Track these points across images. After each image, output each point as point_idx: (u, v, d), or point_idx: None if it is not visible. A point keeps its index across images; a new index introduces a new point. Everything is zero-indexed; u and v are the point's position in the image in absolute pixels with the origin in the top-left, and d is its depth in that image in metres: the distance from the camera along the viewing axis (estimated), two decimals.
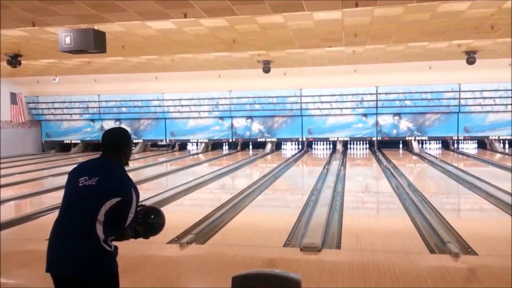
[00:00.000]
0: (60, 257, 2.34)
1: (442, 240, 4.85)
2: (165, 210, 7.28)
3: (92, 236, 2.29)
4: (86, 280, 2.31)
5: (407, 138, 17.58)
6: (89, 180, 2.37)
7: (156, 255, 4.68)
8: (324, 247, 4.76)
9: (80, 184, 2.38)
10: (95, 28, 8.02)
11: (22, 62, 11.65)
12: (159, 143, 19.57)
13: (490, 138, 17.01)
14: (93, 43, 7.84)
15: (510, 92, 16.07)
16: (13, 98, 18.21)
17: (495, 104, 16.52)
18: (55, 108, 19.60)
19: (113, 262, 2.41)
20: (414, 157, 15.37)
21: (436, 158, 14.60)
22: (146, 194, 7.88)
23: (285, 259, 4.45)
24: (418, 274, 3.91)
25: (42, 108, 19.64)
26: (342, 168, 11.99)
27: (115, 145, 2.52)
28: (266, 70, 13.34)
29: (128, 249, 4.86)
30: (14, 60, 11.32)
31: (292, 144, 18.64)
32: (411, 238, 5.12)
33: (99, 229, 2.30)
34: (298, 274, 2.11)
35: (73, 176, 2.47)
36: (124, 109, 19.19)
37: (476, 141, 17.71)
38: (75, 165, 2.59)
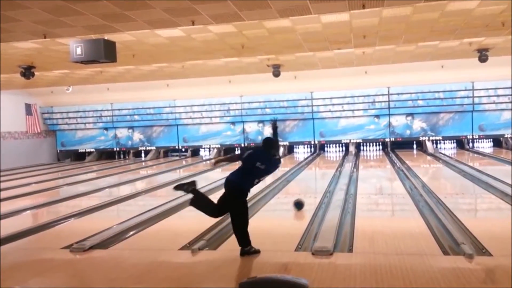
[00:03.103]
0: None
1: (456, 241, 4.80)
2: (178, 216, 7.26)
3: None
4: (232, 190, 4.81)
5: (420, 139, 17.41)
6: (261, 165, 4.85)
7: (169, 261, 4.71)
8: (336, 250, 4.74)
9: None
10: (105, 38, 8.11)
11: (36, 73, 11.82)
12: (172, 149, 19.69)
13: (506, 136, 16.76)
14: (104, 53, 7.94)
15: None
16: (28, 109, 18.50)
17: (510, 102, 16.28)
18: (69, 118, 19.91)
19: (245, 184, 4.82)
20: (428, 158, 15.21)
21: (451, 158, 14.44)
22: (160, 200, 7.93)
23: (297, 264, 4.43)
24: (432, 277, 3.87)
25: (57, 118, 19.95)
26: (354, 170, 11.92)
27: (268, 145, 4.96)
28: (276, 74, 13.35)
29: (141, 257, 4.92)
30: (28, 71, 11.48)
31: (304, 147, 18.61)
32: (424, 240, 5.07)
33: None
34: (308, 279, 2.11)
35: None
36: (136, 117, 19.40)
37: (491, 139, 17.48)
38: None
